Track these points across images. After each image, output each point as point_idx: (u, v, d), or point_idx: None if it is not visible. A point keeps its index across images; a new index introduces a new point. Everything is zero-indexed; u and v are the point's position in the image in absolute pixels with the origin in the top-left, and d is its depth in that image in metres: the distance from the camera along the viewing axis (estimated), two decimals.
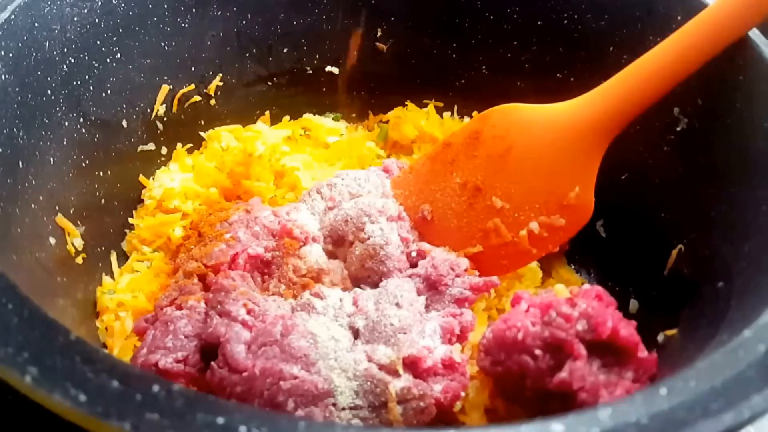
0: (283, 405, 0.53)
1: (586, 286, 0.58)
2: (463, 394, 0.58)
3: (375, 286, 0.66)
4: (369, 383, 0.55)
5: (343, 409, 0.54)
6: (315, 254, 0.67)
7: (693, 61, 0.55)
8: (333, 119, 0.91)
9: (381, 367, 0.56)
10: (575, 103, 0.60)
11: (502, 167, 0.64)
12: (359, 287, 0.67)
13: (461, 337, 0.62)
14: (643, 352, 0.53)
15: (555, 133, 0.60)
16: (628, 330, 0.53)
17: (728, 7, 0.54)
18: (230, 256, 0.65)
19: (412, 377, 0.56)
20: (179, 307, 0.63)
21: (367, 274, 0.67)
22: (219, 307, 0.60)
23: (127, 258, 0.74)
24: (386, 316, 0.59)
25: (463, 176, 0.68)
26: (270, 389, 0.53)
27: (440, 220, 0.70)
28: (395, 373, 0.56)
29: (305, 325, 0.58)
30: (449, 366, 0.58)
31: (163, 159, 0.81)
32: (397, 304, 0.61)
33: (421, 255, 0.68)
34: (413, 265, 0.68)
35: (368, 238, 0.67)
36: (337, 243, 0.70)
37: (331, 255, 0.70)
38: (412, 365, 0.57)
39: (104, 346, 0.65)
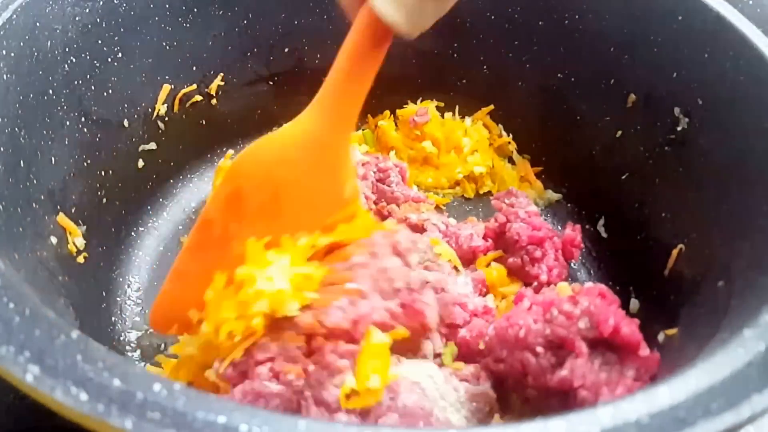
0: None
1: (589, 284, 0.58)
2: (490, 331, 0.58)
3: None
4: (474, 404, 0.53)
5: None
6: None
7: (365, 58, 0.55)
8: None
9: (471, 380, 0.55)
10: (307, 117, 0.57)
11: (280, 208, 0.57)
12: None
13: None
14: (644, 351, 0.53)
15: (308, 149, 0.57)
16: (630, 328, 0.53)
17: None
18: (350, 323, 0.51)
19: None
20: (276, 375, 0.51)
21: None
22: (316, 391, 0.49)
23: None
24: None
25: (244, 243, 0.56)
26: None
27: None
28: (478, 378, 0.56)
29: (406, 377, 0.52)
30: (485, 313, 0.62)
31: (164, 158, 0.81)
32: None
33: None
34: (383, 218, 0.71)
35: None
36: None
37: None
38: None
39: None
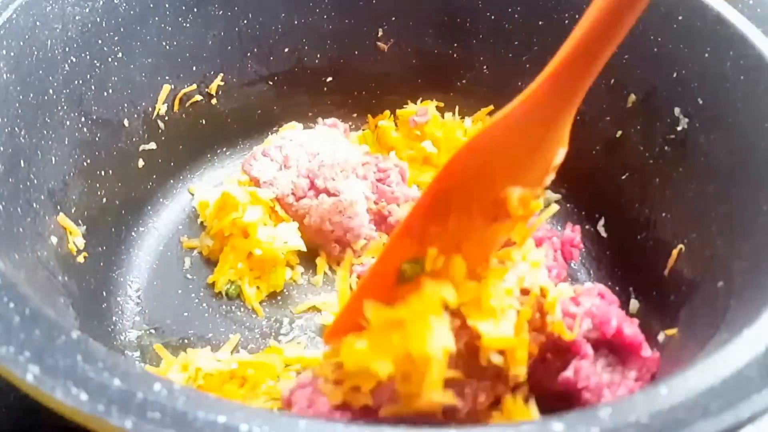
0: None
1: (588, 284, 0.58)
2: None
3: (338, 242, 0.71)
4: None
5: None
6: None
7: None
8: None
9: None
10: (535, 97, 0.49)
11: (490, 196, 0.52)
12: None
13: None
14: (647, 351, 0.53)
15: (534, 131, 0.51)
16: (632, 329, 0.53)
17: None
18: None
19: None
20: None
21: (331, 229, 0.71)
22: None
23: None
24: None
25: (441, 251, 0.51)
26: None
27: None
28: None
29: None
30: None
31: (164, 158, 0.81)
32: None
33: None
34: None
35: (339, 194, 0.72)
36: (300, 196, 0.73)
37: (288, 208, 0.73)
38: None
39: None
